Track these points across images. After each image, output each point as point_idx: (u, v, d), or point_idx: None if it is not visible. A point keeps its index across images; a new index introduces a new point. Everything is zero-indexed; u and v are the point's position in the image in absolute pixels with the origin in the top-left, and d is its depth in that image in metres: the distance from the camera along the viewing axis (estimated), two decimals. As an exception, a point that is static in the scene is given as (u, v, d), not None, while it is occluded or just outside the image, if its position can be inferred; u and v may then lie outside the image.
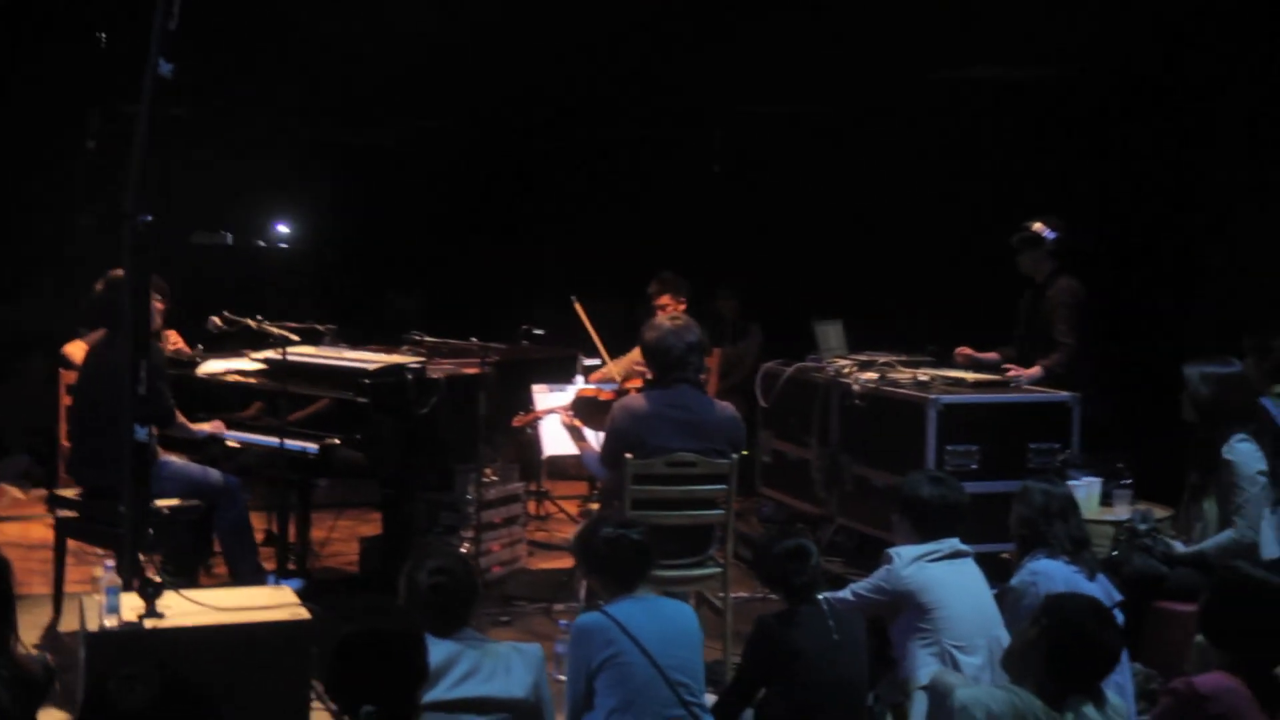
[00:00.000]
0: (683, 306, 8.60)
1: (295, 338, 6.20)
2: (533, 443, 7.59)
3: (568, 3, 8.99)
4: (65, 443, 7.43)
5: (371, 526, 7.65)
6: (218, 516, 6.40)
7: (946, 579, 4.72)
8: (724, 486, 5.54)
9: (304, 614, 4.53)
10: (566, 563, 7.63)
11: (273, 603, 4.64)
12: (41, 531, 7.97)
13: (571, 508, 8.58)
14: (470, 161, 11.48)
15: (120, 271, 6.22)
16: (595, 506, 6.53)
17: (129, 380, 4.48)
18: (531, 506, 8.34)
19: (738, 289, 10.23)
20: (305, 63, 9.35)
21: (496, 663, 3.90)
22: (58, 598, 6.37)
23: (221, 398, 6.74)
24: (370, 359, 6.49)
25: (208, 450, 6.60)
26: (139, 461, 4.46)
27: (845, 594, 4.83)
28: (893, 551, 4.80)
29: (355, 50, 9.13)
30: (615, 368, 7.72)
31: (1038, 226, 7.36)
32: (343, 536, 7.58)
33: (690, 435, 5.52)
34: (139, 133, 4.46)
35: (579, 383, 7.02)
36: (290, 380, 6.23)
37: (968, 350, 7.62)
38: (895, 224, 10.03)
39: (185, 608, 4.50)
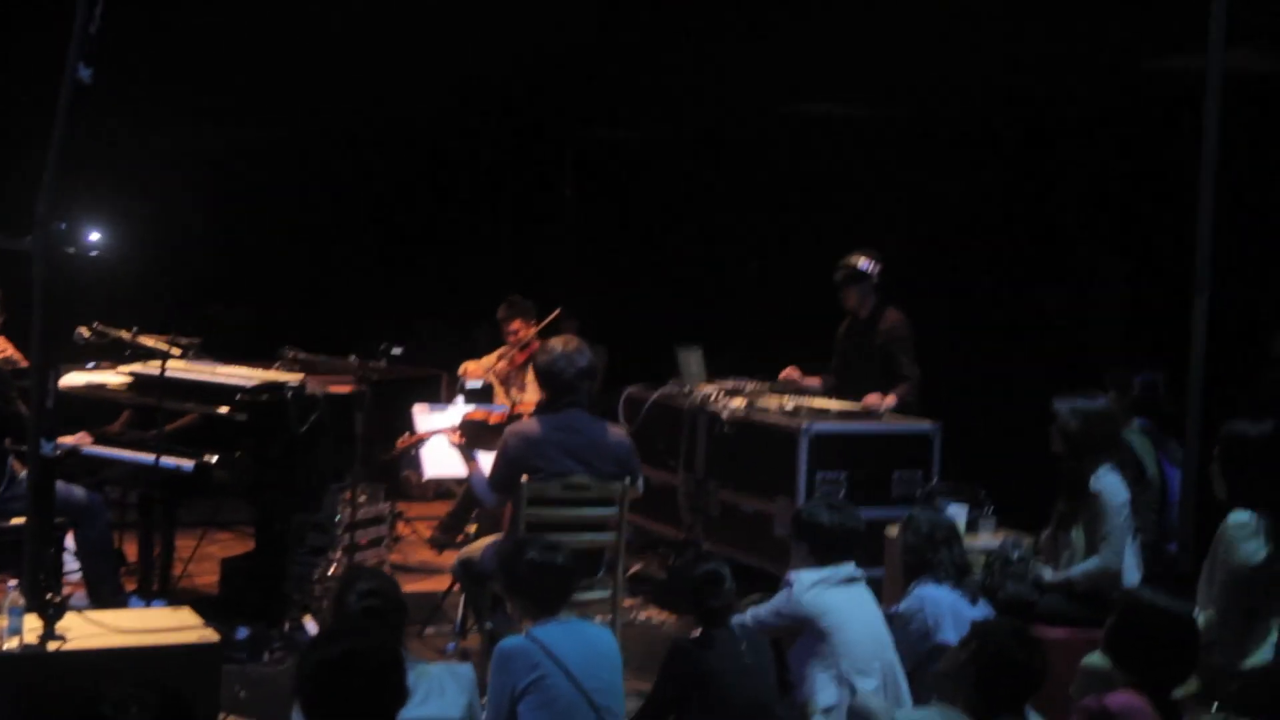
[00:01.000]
0: (533, 329, 8.70)
1: (176, 351, 6.07)
2: (397, 463, 7.58)
3: (420, 18, 9.02)
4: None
5: (224, 547, 7.52)
6: (79, 535, 6.22)
7: (843, 604, 4.88)
8: (616, 510, 5.62)
9: (212, 636, 4.46)
10: (427, 585, 7.66)
11: (175, 624, 4.55)
12: None
13: (424, 530, 8.57)
14: (305, 174, 11.35)
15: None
16: (472, 529, 6.55)
17: (35, 394, 4.35)
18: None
19: (579, 311, 10.33)
20: (133, 61, 9.14)
21: (431, 684, 3.91)
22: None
23: (83, 411, 6.55)
24: (246, 375, 6.39)
25: (66, 465, 6.41)
26: (43, 477, 4.33)
27: (745, 618, 4.95)
28: (792, 576, 4.94)
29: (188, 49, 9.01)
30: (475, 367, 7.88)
31: (860, 261, 7.60)
32: (193, 556, 7.40)
33: (583, 459, 5.58)
34: (55, 139, 4.35)
35: (460, 403, 7.02)
36: (164, 395, 6.10)
37: (795, 373, 7.83)
38: (739, 251, 10.29)
39: (87, 629, 4.38)
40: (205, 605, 6.86)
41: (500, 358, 8.81)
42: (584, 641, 4.27)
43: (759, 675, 4.47)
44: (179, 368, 6.43)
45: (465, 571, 5.90)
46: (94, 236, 11.57)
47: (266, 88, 9.84)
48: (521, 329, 8.74)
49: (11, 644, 4.16)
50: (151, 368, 6.45)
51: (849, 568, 4.96)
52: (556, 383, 5.61)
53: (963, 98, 8.55)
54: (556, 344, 5.71)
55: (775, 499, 6.83)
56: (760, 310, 9.99)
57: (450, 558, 8.17)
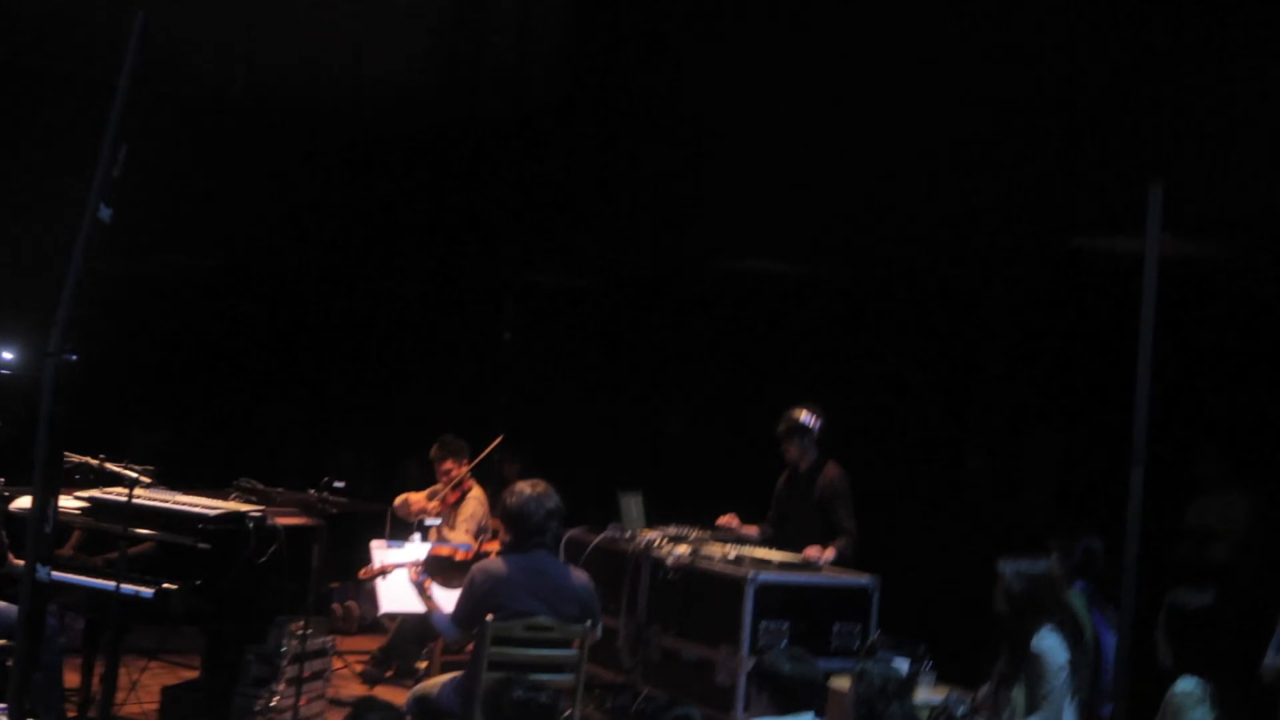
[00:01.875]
0: (465, 469, 8.84)
1: (146, 479, 6.15)
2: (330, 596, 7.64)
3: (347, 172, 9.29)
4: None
5: (155, 676, 7.49)
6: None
7: (804, 753, 5.04)
8: (576, 652, 5.76)
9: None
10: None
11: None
12: None
13: (354, 664, 8.63)
14: (238, 302, 11.48)
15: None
16: (423, 665, 6.63)
17: (35, 519, 4.43)
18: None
19: (521, 452, 10.50)
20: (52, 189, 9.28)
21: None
22: None
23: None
24: (208, 504, 6.47)
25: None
26: (38, 602, 4.40)
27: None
28: (754, 725, 5.11)
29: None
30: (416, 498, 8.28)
31: (801, 416, 7.89)
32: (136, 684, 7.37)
33: (547, 600, 5.74)
34: (70, 274, 4.49)
35: (416, 540, 7.13)
36: (121, 522, 6.15)
37: (733, 520, 8.05)
38: (675, 396, 10.57)
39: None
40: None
41: (431, 496, 8.92)
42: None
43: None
44: (140, 495, 6.48)
45: (421, 708, 5.97)
46: (6, 356, 11.63)
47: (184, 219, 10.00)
48: (454, 468, 8.86)
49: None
50: (111, 494, 6.53)
51: (809, 717, 5.13)
52: (526, 524, 5.78)
53: (896, 257, 8.95)
54: (525, 486, 5.88)
55: (719, 646, 7.00)
56: (695, 459, 10.25)
57: (383, 692, 8.27)
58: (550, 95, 9.15)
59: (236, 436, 11.58)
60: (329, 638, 7.36)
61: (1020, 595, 5.84)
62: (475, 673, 5.65)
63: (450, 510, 8.82)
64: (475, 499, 8.87)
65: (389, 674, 8.58)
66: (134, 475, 6.12)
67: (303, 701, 7.07)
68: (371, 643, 9.04)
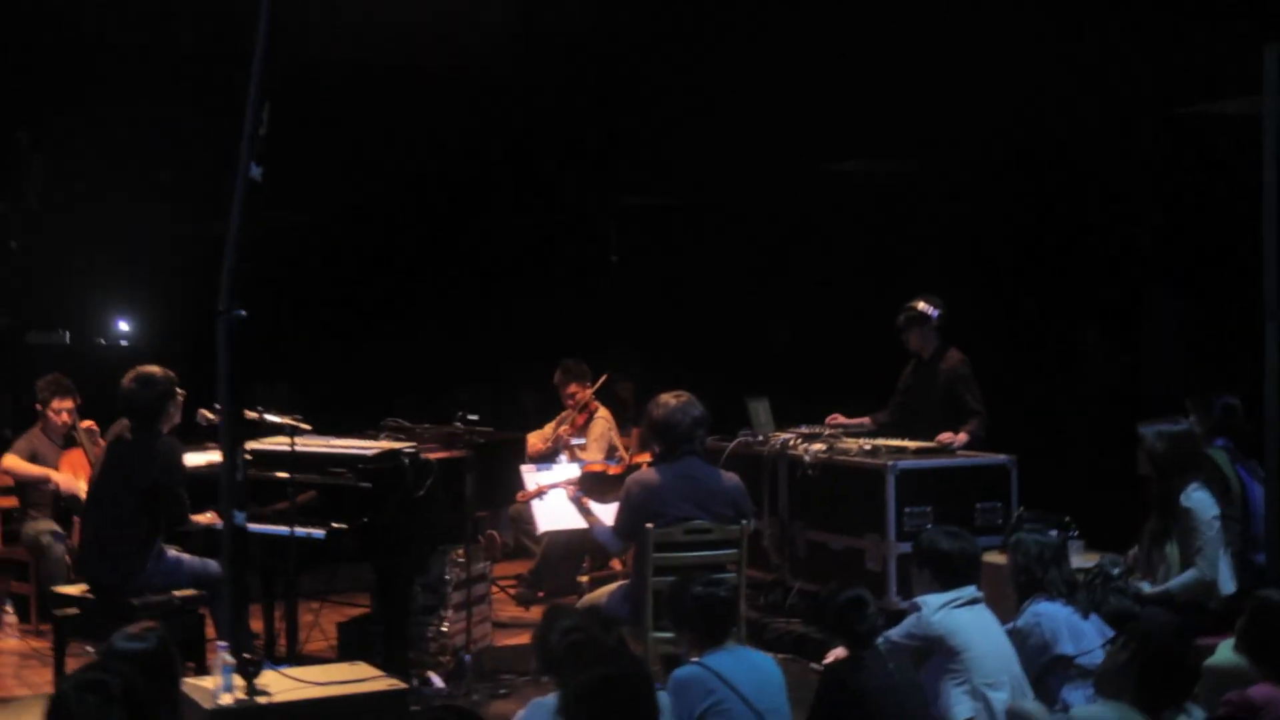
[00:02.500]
0: (589, 391, 9.10)
1: (306, 426, 6.40)
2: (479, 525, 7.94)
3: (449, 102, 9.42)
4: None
5: (333, 615, 7.81)
6: (214, 606, 6.51)
7: (971, 623, 5.21)
8: (736, 550, 5.97)
9: (398, 684, 4.78)
10: (529, 638, 7.96)
11: (358, 676, 4.87)
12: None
13: (509, 588, 8.94)
14: (338, 252, 11.67)
15: (151, 368, 6.41)
16: (585, 579, 6.88)
17: (226, 468, 4.69)
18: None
19: (632, 372, 10.70)
20: (152, 154, 9.52)
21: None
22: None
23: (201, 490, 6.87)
24: (363, 445, 6.72)
25: (197, 541, 6.75)
26: (238, 546, 4.66)
27: (877, 642, 5.28)
28: (920, 600, 5.28)
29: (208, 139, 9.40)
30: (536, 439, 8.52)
31: (921, 305, 8.00)
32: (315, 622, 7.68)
33: (702, 504, 5.94)
34: (230, 233, 4.71)
35: (563, 461, 7.37)
36: (286, 469, 6.43)
37: (840, 418, 8.20)
38: (781, 306, 10.70)
39: (284, 685, 4.70)
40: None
41: (560, 423, 9.19)
42: (752, 667, 4.61)
43: (910, 692, 4.80)
44: (298, 442, 6.76)
45: (591, 618, 6.21)
46: (123, 326, 11.97)
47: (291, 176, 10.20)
48: (578, 391, 9.18)
49: (227, 700, 4.48)
50: (269, 444, 6.81)
51: (971, 589, 5.30)
52: (674, 433, 5.98)
53: (1002, 143, 8.97)
54: (669, 398, 6.08)
55: (865, 535, 7.19)
56: (804, 363, 10.39)
57: (538, 612, 8.54)
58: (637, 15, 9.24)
59: (351, 381, 11.84)
60: (486, 563, 7.62)
61: (1164, 455, 5.97)
62: (641, 579, 5.87)
63: (579, 431, 9.09)
64: (603, 419, 9.18)
65: (540, 594, 8.88)
66: (296, 424, 6.37)
67: (466, 625, 7.37)
68: (516, 567, 9.34)
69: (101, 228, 10.27)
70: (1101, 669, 4.33)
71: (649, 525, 5.84)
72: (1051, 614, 5.39)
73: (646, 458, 6.31)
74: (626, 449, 9.20)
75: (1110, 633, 5.43)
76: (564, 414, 9.23)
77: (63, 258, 10.22)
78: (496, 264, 11.36)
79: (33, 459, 8.02)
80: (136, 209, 10.27)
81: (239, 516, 4.68)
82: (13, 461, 7.93)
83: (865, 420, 8.26)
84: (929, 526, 6.82)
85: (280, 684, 4.68)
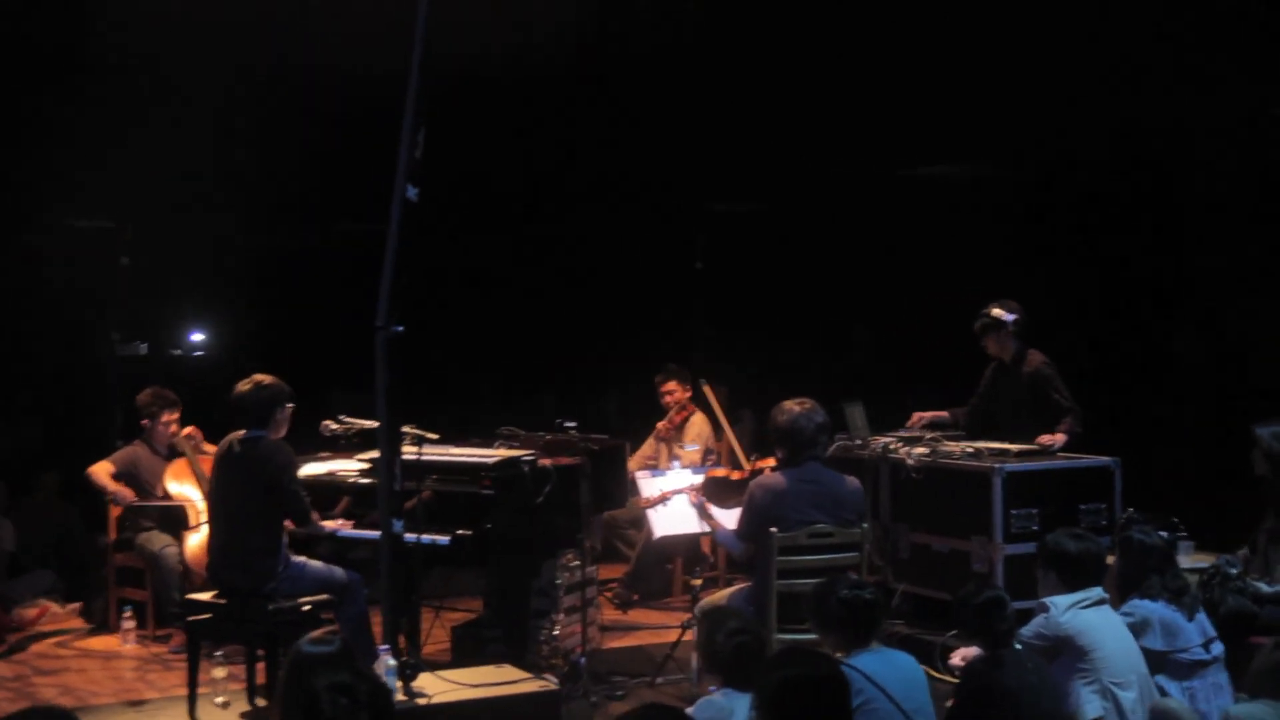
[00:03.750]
0: (689, 393, 9.30)
1: (433, 436, 6.56)
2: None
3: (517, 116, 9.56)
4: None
5: (446, 620, 7.97)
6: (340, 611, 6.69)
7: (1098, 623, 5.31)
8: (857, 553, 6.10)
9: (551, 685, 4.94)
10: (633, 640, 8.14)
11: (508, 678, 5.03)
12: (100, 642, 8.15)
13: (605, 591, 9.08)
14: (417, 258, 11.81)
15: (264, 377, 6.59)
16: (697, 583, 7.00)
17: (384, 478, 4.86)
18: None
19: (724, 377, 10.83)
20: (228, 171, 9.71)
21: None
22: (192, 702, 6.55)
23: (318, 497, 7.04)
24: (484, 454, 6.89)
25: (323, 548, 6.93)
26: (397, 552, 4.83)
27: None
28: (1048, 601, 5.38)
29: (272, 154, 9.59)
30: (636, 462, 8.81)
31: (997, 311, 8.08)
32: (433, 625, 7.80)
33: (825, 508, 6.08)
34: (389, 251, 4.88)
35: (676, 467, 7.52)
36: (414, 477, 6.57)
37: (922, 415, 8.31)
38: (866, 312, 10.81)
39: (440, 686, 4.87)
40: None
41: (656, 432, 9.41)
42: (897, 667, 4.73)
43: (1047, 691, 4.90)
44: (414, 451, 6.90)
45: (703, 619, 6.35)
46: (197, 337, 12.17)
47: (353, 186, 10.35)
48: (677, 390, 9.43)
49: (391, 701, 4.63)
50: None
51: (1098, 590, 5.40)
52: (799, 439, 6.11)
53: (1083, 146, 9.05)
54: (792, 405, 6.21)
55: (971, 537, 7.29)
56: (883, 366, 10.50)
57: (635, 614, 8.71)
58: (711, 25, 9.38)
59: (433, 392, 11.99)
60: (594, 567, 7.76)
61: (1280, 455, 6.05)
62: (766, 581, 6.01)
63: (676, 430, 9.32)
64: (700, 419, 9.39)
65: (635, 597, 9.03)
66: (423, 434, 6.53)
67: (577, 629, 7.52)
68: (607, 571, 9.47)
69: (173, 240, 10.47)
70: (1254, 668, 4.42)
71: (773, 529, 5.97)
72: (1146, 609, 5.49)
73: (770, 462, 6.44)
74: (718, 453, 9.37)
75: (1212, 632, 5.54)
76: (659, 426, 9.47)
77: (144, 271, 10.41)
78: (582, 270, 11.51)
79: (133, 472, 8.21)
80: (207, 221, 10.50)
81: (397, 524, 4.83)
82: (96, 469, 8.12)
83: (944, 414, 8.36)
84: (1045, 530, 6.92)
85: (436, 686, 4.86)
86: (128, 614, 8.08)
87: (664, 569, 9.34)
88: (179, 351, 11.92)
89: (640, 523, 9.17)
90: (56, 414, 10.22)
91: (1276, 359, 8.15)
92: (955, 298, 9.81)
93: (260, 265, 11.17)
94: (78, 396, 10.34)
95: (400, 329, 4.89)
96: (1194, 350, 9.01)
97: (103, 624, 8.50)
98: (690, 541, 8.69)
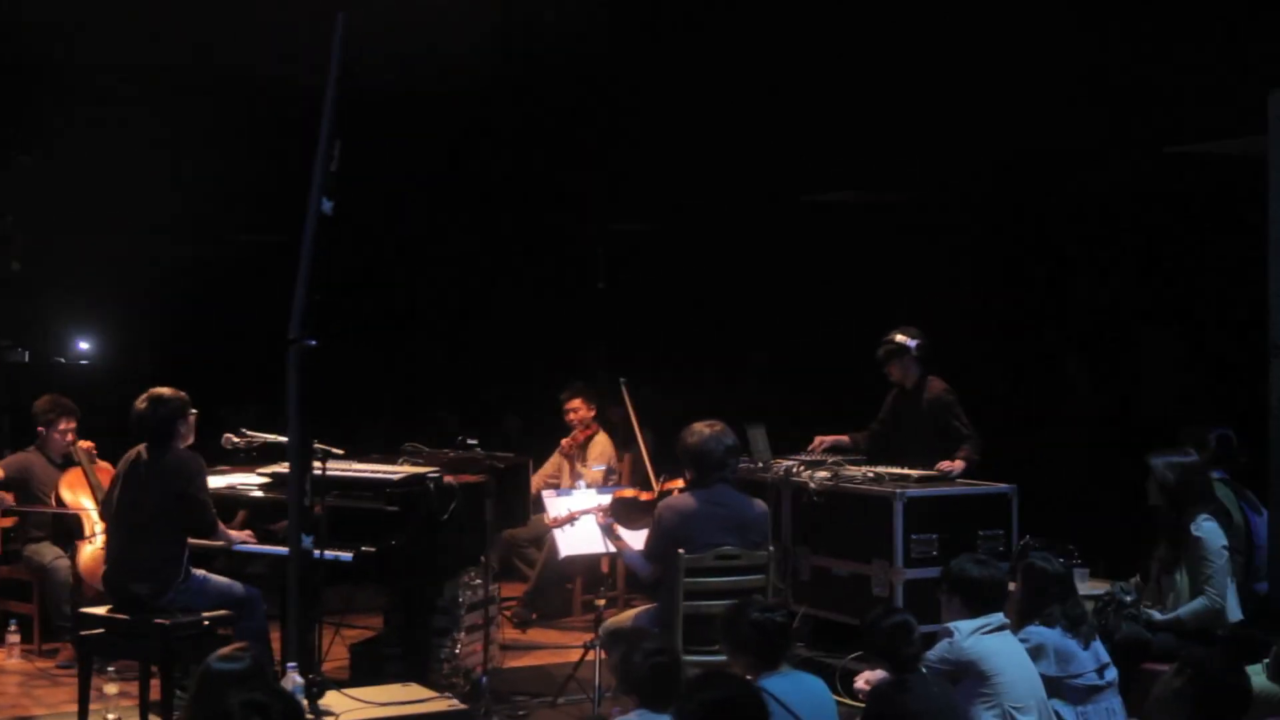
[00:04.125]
0: (593, 412, 9.32)
1: (338, 451, 6.49)
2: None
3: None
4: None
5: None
6: (240, 626, 6.57)
7: (1000, 648, 5.38)
8: (763, 576, 6.14)
9: (459, 704, 4.90)
10: (533, 660, 8.11)
11: (414, 697, 4.98)
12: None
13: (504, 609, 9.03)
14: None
15: (162, 389, 6.48)
16: (601, 603, 7.01)
17: (293, 493, 4.80)
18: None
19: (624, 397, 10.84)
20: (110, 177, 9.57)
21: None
22: (83, 719, 6.40)
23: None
24: (385, 470, 6.83)
25: (219, 562, 6.81)
26: (307, 569, 4.77)
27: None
28: (951, 626, 5.45)
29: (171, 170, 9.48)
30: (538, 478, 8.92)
31: (900, 337, 8.20)
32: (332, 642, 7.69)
33: (732, 530, 6.11)
34: (302, 264, 4.82)
35: (582, 487, 7.52)
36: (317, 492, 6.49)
37: (824, 439, 8.42)
38: (763, 335, 10.91)
39: (346, 704, 4.81)
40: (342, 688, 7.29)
41: (559, 449, 9.41)
42: (806, 690, 4.76)
43: (952, 714, 4.97)
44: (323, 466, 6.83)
45: (613, 641, 6.34)
46: (83, 345, 11.94)
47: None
48: (582, 407, 9.42)
49: (297, 720, 4.56)
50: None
51: (999, 616, 5.48)
52: (708, 460, 6.14)
53: (991, 175, 9.21)
54: (703, 427, 6.24)
55: (872, 561, 7.38)
56: (780, 389, 10.60)
57: (534, 634, 8.69)
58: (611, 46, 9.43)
59: (331, 403, 11.86)
60: (495, 586, 7.73)
61: (1175, 486, 6.21)
62: (672, 602, 6.02)
63: (580, 449, 9.34)
64: (604, 438, 9.42)
65: (534, 616, 9.01)
66: (328, 449, 6.44)
67: (477, 647, 7.48)
68: (506, 590, 9.43)
69: (62, 247, 10.27)
70: (1155, 696, 4.51)
71: (680, 550, 5.99)
72: (1040, 636, 5.58)
73: (679, 484, 6.46)
74: (619, 472, 9.40)
75: (1106, 658, 5.65)
76: (563, 442, 9.47)
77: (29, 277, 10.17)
78: (482, 287, 11.49)
79: (24, 479, 8.03)
80: (98, 228, 10.31)
81: (307, 540, 4.77)
82: None
83: (844, 438, 8.46)
84: (944, 555, 7.02)
85: (343, 704, 4.80)
86: (12, 628, 7.88)
87: (564, 588, 9.32)
88: (62, 359, 11.66)
89: (541, 541, 9.17)
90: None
91: (1165, 388, 8.37)
92: (854, 322, 9.97)
93: (149, 275, 10.99)
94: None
95: (313, 342, 4.82)
96: (1084, 379, 9.22)
97: (-14, 639, 8.27)
98: (590, 561, 8.70)
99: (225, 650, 4.17)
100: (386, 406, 12.45)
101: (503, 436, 11.40)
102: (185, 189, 9.94)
